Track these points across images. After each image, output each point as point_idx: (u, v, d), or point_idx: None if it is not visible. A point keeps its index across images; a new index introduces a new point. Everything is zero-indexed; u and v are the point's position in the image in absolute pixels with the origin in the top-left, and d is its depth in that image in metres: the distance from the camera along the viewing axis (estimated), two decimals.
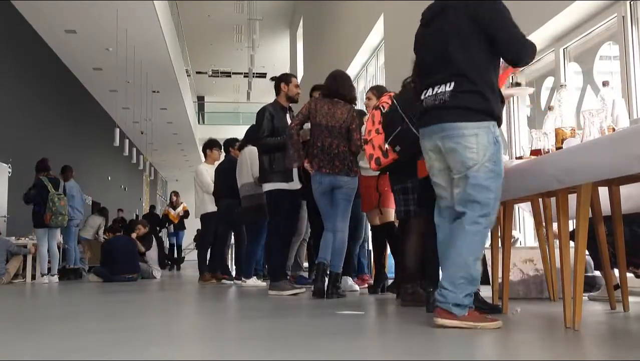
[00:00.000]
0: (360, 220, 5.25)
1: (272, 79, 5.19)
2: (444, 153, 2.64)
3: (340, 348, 2.16)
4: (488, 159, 2.54)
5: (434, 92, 2.67)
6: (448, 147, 2.60)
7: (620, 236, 3.04)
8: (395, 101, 3.50)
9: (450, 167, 2.65)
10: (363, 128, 4.43)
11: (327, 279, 4.38)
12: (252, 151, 5.78)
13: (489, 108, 2.57)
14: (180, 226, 13.50)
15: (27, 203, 7.91)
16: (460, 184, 2.60)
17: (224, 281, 6.94)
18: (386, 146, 3.56)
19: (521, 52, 2.59)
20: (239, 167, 6.17)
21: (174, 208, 13.58)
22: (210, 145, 7.59)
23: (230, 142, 7.14)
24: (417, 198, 3.69)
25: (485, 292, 4.63)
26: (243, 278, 6.19)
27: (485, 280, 5.02)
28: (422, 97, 2.75)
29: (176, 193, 13.88)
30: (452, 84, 2.60)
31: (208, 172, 7.27)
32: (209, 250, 7.52)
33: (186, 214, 13.46)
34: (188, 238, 14.44)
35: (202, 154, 7.90)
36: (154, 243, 9.18)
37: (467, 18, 2.59)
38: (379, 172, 4.12)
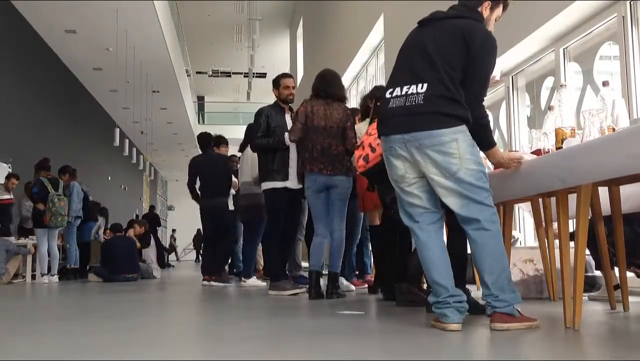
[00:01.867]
0: (357, 220, 5.25)
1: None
2: (422, 163, 2.52)
3: (340, 348, 2.16)
4: (473, 161, 2.49)
5: (404, 93, 2.55)
6: (429, 157, 2.49)
7: (620, 236, 3.04)
8: None
9: (428, 176, 2.53)
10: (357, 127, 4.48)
11: (324, 282, 4.40)
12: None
13: (464, 115, 2.51)
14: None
15: (34, 202, 7.90)
16: (451, 193, 2.50)
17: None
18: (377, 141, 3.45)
19: (476, 102, 2.55)
20: (241, 165, 6.39)
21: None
22: (219, 142, 7.41)
23: (212, 139, 6.99)
24: None
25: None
26: (243, 278, 6.25)
27: None
28: (388, 95, 2.62)
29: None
30: (425, 85, 2.51)
31: None
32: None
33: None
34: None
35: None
36: (152, 242, 9.23)
37: (462, 39, 2.53)
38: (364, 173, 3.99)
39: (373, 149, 3.55)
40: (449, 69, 2.51)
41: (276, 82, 5.05)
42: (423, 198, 2.62)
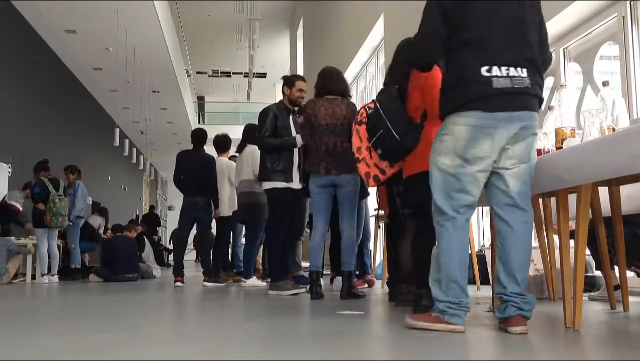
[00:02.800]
0: (360, 220, 5.25)
1: (283, 78, 5.12)
2: (510, 143, 2.42)
3: (340, 348, 2.16)
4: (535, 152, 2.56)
5: (505, 74, 2.39)
6: (525, 137, 2.44)
7: (620, 237, 3.04)
8: (377, 104, 3.28)
9: (503, 163, 2.45)
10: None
11: (324, 281, 4.39)
12: (254, 150, 5.85)
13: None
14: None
15: (35, 202, 7.90)
16: (514, 180, 2.45)
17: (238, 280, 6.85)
18: (370, 145, 3.34)
19: (549, 57, 2.60)
20: (238, 165, 6.38)
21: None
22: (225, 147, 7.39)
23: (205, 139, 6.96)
24: (403, 198, 3.63)
25: (485, 291, 4.64)
26: (242, 278, 6.24)
27: (485, 280, 5.03)
28: (486, 74, 2.39)
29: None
30: (525, 70, 2.43)
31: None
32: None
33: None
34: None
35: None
36: (147, 242, 9.21)
37: (536, 9, 2.55)
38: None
39: (383, 172, 3.51)
40: (537, 49, 2.50)
41: (290, 82, 4.93)
42: (478, 189, 2.50)
